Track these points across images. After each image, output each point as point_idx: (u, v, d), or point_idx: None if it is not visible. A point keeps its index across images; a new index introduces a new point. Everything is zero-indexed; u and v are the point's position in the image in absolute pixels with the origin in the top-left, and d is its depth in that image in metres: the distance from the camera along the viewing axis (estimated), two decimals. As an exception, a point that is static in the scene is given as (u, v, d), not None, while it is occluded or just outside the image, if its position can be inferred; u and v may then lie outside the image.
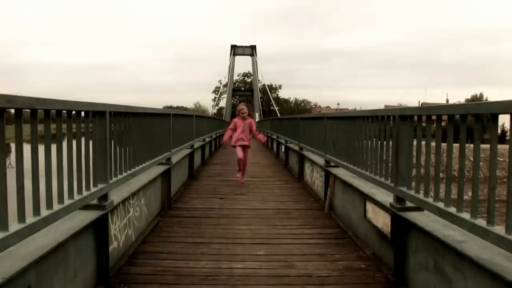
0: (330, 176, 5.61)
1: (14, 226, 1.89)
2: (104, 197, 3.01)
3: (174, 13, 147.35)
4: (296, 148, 9.01)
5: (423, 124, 2.91)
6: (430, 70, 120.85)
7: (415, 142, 3.05)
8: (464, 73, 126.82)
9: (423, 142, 2.87)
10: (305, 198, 6.65)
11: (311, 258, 3.72)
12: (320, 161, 6.26)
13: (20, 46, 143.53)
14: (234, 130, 7.81)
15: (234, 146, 7.81)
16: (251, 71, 58.73)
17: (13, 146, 1.96)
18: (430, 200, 2.66)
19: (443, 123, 2.70)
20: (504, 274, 1.90)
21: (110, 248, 3.14)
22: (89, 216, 2.82)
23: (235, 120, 7.96)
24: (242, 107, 8.07)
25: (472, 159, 2.15)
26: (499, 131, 2.24)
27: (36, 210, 2.09)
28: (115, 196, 3.33)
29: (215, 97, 65.01)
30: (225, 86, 58.76)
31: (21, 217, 1.96)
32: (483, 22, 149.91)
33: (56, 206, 2.29)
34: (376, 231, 3.68)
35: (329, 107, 74.46)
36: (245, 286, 3.12)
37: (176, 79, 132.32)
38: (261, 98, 54.73)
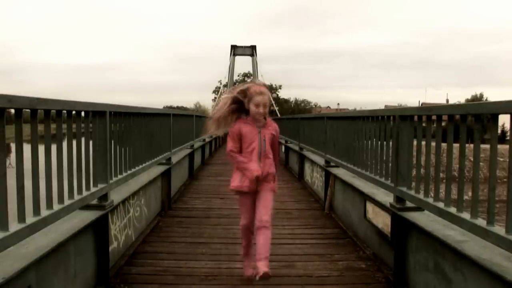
0: (330, 176, 5.61)
1: (14, 226, 1.89)
2: (104, 197, 3.01)
3: (175, 13, 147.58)
4: (296, 148, 9.01)
5: (423, 124, 2.91)
6: (430, 70, 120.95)
7: (415, 142, 3.05)
8: (464, 73, 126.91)
9: (423, 142, 2.87)
10: (305, 198, 6.66)
11: (311, 258, 3.72)
12: (320, 161, 6.27)
13: (20, 46, 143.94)
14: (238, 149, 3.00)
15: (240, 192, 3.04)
16: (251, 71, 58.69)
17: (13, 146, 1.96)
18: (430, 200, 2.66)
19: (443, 123, 2.70)
20: (504, 274, 1.90)
21: (110, 248, 3.14)
22: (89, 216, 2.82)
23: (238, 127, 2.98)
24: (260, 90, 3.03)
25: (472, 159, 2.15)
26: (499, 131, 2.24)
27: (36, 210, 2.09)
28: (115, 196, 3.33)
29: (215, 97, 64.98)
30: (225, 86, 58.66)
31: (21, 217, 1.96)
32: (483, 22, 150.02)
33: (56, 206, 2.29)
34: (376, 231, 3.68)
35: (329, 107, 74.32)
36: (245, 286, 3.11)
37: (176, 79, 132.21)
38: (261, 98, 54.64)
